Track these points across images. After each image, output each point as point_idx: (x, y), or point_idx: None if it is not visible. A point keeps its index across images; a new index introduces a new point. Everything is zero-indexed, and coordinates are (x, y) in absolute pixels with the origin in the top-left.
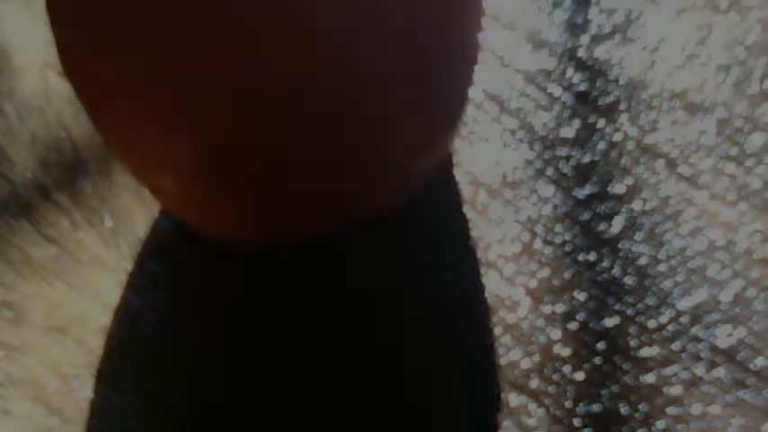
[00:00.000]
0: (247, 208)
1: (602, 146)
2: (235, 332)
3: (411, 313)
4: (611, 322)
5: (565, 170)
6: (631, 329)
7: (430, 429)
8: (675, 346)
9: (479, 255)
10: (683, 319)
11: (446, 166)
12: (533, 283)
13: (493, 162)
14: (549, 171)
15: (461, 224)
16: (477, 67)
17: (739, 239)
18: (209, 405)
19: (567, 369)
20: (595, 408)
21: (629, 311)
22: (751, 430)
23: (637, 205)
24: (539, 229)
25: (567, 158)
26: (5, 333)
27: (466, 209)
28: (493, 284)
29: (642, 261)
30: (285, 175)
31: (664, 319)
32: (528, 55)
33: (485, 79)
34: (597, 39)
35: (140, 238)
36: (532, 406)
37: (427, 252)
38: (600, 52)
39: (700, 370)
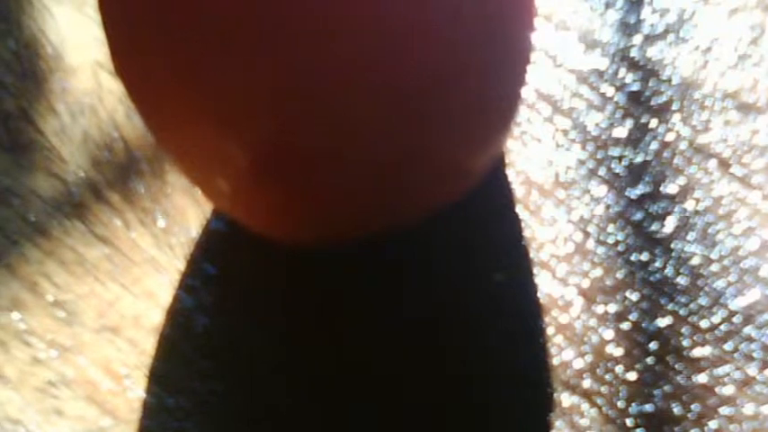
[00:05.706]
0: (301, 209)
1: (654, 146)
2: (286, 332)
3: (463, 314)
4: (663, 322)
5: (617, 170)
6: (684, 329)
7: (489, 429)
8: (728, 345)
9: (532, 255)
10: (736, 319)
11: (499, 165)
12: (586, 283)
13: (545, 162)
14: (602, 171)
15: (514, 224)
16: (529, 68)
17: None
18: (261, 405)
19: (619, 369)
20: (648, 408)
21: (682, 311)
22: None
23: (689, 205)
24: (591, 228)
25: (620, 158)
26: (58, 333)
27: (518, 209)
28: (545, 284)
29: (695, 261)
30: (339, 176)
31: (716, 318)
32: (580, 55)
33: (537, 79)
34: (650, 39)
35: (193, 238)
36: (585, 406)
37: (479, 252)
38: (652, 52)
39: (752, 370)
